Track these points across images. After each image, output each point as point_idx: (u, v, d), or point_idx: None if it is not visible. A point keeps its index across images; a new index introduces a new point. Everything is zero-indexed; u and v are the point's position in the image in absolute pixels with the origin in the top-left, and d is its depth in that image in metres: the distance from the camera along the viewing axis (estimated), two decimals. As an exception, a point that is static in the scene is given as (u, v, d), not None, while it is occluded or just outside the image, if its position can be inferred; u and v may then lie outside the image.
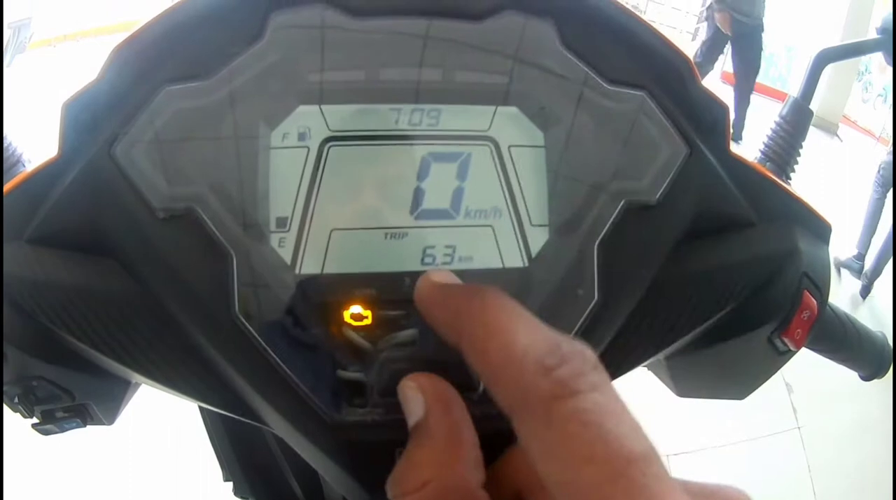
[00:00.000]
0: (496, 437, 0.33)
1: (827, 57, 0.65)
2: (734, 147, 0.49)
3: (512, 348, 0.26)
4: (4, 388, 0.41)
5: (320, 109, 0.39)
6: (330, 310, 0.39)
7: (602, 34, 0.42)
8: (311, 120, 0.39)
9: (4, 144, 0.50)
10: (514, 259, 0.42)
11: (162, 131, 0.38)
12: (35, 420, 0.45)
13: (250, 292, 0.38)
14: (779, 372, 0.54)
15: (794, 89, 0.63)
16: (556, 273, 0.42)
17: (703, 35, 6.66)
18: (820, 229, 0.54)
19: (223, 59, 0.38)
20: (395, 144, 0.40)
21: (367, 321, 0.39)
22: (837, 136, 7.35)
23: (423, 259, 0.41)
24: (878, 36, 0.71)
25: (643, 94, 0.43)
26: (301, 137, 0.39)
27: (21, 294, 0.39)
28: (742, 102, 6.19)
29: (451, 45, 0.40)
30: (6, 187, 0.41)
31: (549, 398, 0.25)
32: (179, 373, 0.40)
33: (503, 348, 0.27)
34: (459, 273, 0.35)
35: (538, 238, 0.42)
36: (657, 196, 0.43)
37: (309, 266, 0.39)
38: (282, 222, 0.39)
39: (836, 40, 6.53)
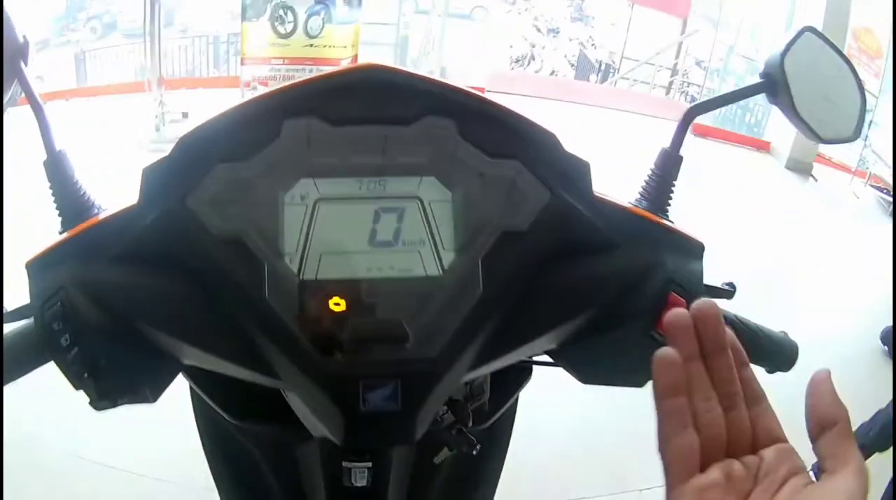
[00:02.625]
0: (422, 380, 0.64)
1: (697, 110, 0.78)
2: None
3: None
4: (75, 367, 0.63)
5: (314, 181, 0.65)
6: (320, 300, 0.64)
7: (487, 126, 0.68)
8: (308, 187, 0.65)
9: (80, 192, 0.72)
10: (433, 270, 0.66)
11: (217, 191, 0.64)
12: (93, 397, 0.65)
13: (274, 287, 0.62)
14: None
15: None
16: (459, 278, 0.65)
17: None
18: (690, 248, 0.74)
19: (256, 149, 0.64)
20: (359, 202, 0.66)
21: (342, 307, 0.64)
22: (812, 176, 7.47)
23: (378, 270, 0.65)
24: (761, 80, 0.78)
25: (516, 162, 0.67)
26: (302, 198, 0.64)
27: (105, 294, 0.64)
28: None
29: (393, 140, 0.66)
30: (92, 221, 0.68)
31: None
32: (224, 344, 0.65)
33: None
34: (401, 279, 0.65)
35: (448, 256, 0.66)
36: (525, 226, 0.66)
37: (307, 274, 0.64)
38: (291, 247, 0.64)
39: None
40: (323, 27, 6.69)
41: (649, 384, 0.51)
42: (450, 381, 0.65)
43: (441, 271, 0.65)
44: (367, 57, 7.04)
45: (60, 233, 0.70)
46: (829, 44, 0.81)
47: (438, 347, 0.64)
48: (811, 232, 5.92)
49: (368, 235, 0.65)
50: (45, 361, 0.65)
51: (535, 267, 0.68)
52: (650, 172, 0.79)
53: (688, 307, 0.64)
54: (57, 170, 0.71)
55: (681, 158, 0.78)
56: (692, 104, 0.78)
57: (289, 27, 6.63)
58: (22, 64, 0.70)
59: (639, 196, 0.79)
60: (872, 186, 7.23)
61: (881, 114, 7.00)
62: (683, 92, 12.93)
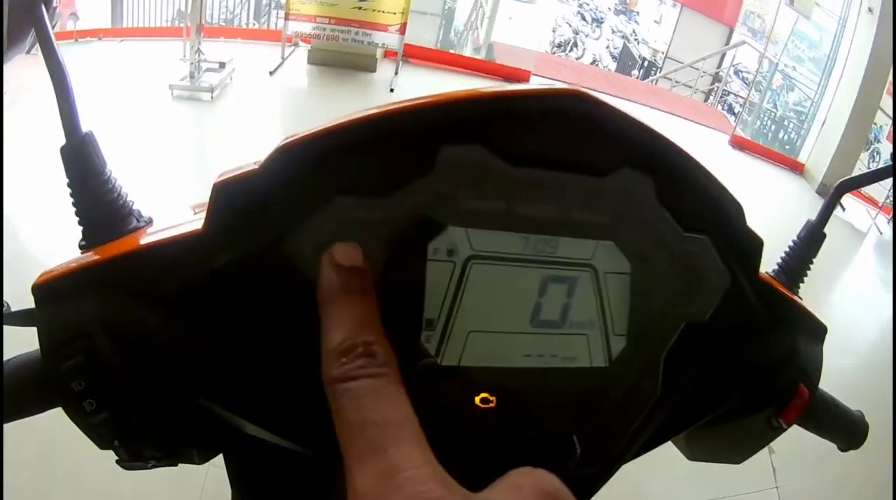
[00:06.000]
0: (581, 493, 0.51)
1: (846, 186, 0.74)
2: None
3: (328, 342, 0.38)
4: (101, 431, 0.46)
5: (466, 233, 0.47)
6: (464, 393, 0.49)
7: (685, 189, 0.54)
8: (458, 240, 0.47)
9: (112, 194, 0.52)
10: (599, 360, 0.53)
11: (333, 234, 0.44)
12: (120, 457, 0.49)
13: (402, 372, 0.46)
14: None
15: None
16: (629, 372, 0.54)
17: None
18: (817, 330, 0.69)
19: (397, 183, 0.45)
20: (523, 266, 0.49)
21: (491, 405, 0.49)
22: (841, 205, 7.40)
23: (539, 357, 0.51)
24: None
25: (706, 238, 0.54)
26: (450, 253, 0.47)
27: (148, 348, 0.45)
28: None
29: (573, 190, 0.49)
30: (133, 244, 0.48)
31: (334, 380, 0.36)
32: (314, 435, 0.47)
33: (326, 339, 0.39)
34: (559, 369, 0.51)
35: (618, 345, 0.53)
36: (706, 317, 0.56)
37: (448, 358, 0.48)
38: (429, 323, 0.47)
39: (849, 103, 6.48)
40: (375, -10, 6.58)
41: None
42: (597, 491, 0.58)
43: (608, 363, 0.53)
44: (410, 26, 6.97)
45: (82, 248, 0.51)
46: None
47: (603, 459, 0.54)
48: (832, 258, 5.98)
49: (531, 311, 0.50)
50: (58, 406, 0.47)
51: (708, 362, 0.58)
52: (793, 245, 0.75)
53: (811, 397, 0.66)
54: (79, 160, 0.51)
55: (824, 236, 0.74)
56: (840, 181, 0.74)
57: (339, -13, 6.52)
58: (43, 10, 0.49)
59: (777, 269, 0.75)
60: (896, 222, 7.22)
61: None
62: (722, 100, 12.84)
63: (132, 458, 0.48)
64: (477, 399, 0.49)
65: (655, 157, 0.51)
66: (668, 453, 0.72)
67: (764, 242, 0.59)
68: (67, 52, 0.51)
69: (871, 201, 7.76)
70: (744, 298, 0.59)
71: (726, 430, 0.66)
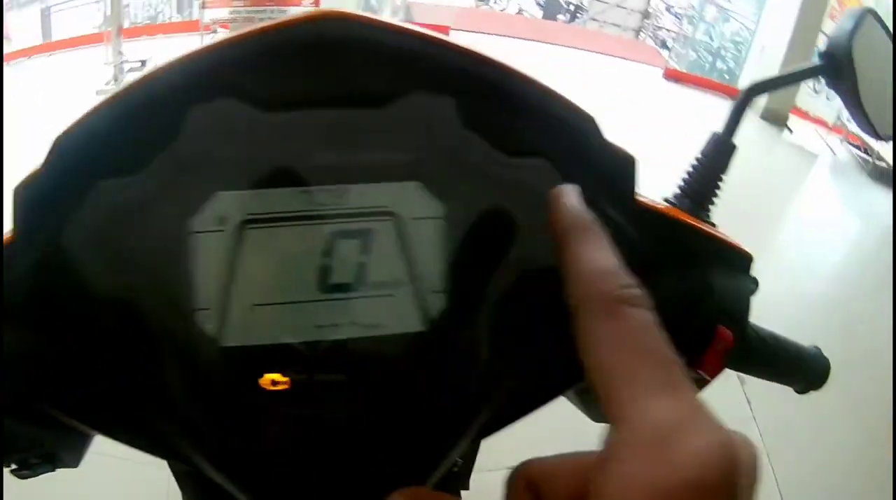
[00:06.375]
0: (414, 476, 0.44)
1: (755, 90, 0.65)
2: None
3: (602, 262, 0.35)
4: None
5: (236, 195, 0.41)
6: (249, 376, 0.42)
7: (501, 108, 0.44)
8: (228, 205, 0.41)
9: None
10: (414, 323, 0.44)
11: (102, 222, 0.41)
12: (13, 467, 0.50)
13: (178, 361, 0.42)
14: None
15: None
16: (453, 336, 0.44)
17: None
18: (737, 260, 0.56)
19: (148, 155, 0.40)
20: (304, 224, 0.42)
21: (283, 386, 0.42)
22: (787, 127, 7.46)
23: (333, 328, 0.43)
24: (819, 62, 0.67)
25: (543, 161, 0.44)
26: (220, 221, 0.41)
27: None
28: None
29: (354, 129, 0.42)
30: None
31: (620, 300, 0.33)
32: (132, 431, 0.45)
33: (595, 260, 0.36)
34: (364, 339, 0.43)
35: (437, 304, 0.44)
36: (552, 260, 0.41)
37: (230, 338, 0.42)
38: (206, 298, 0.41)
39: (790, 25, 6.54)
40: (284, -35, 6.71)
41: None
42: (443, 468, 0.47)
43: (426, 325, 0.44)
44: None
45: None
46: (887, 31, 0.71)
47: (427, 444, 0.45)
48: (787, 182, 6.00)
49: (317, 276, 0.43)
50: None
51: (557, 311, 0.43)
52: (696, 162, 0.63)
53: (736, 340, 0.54)
54: None
55: (734, 147, 0.62)
56: (749, 85, 0.64)
57: (249, -33, 6.67)
58: None
59: (679, 191, 0.63)
60: (850, 143, 7.18)
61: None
62: (654, 35, 12.87)
63: (20, 465, 0.50)
64: (266, 381, 0.42)
65: (449, 74, 0.43)
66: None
67: (635, 159, 0.48)
68: None
69: (821, 122, 7.79)
70: (614, 229, 0.45)
71: None
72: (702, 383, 0.55)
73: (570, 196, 0.40)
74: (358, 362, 0.44)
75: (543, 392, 0.50)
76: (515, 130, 0.44)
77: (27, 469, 0.50)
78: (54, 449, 0.50)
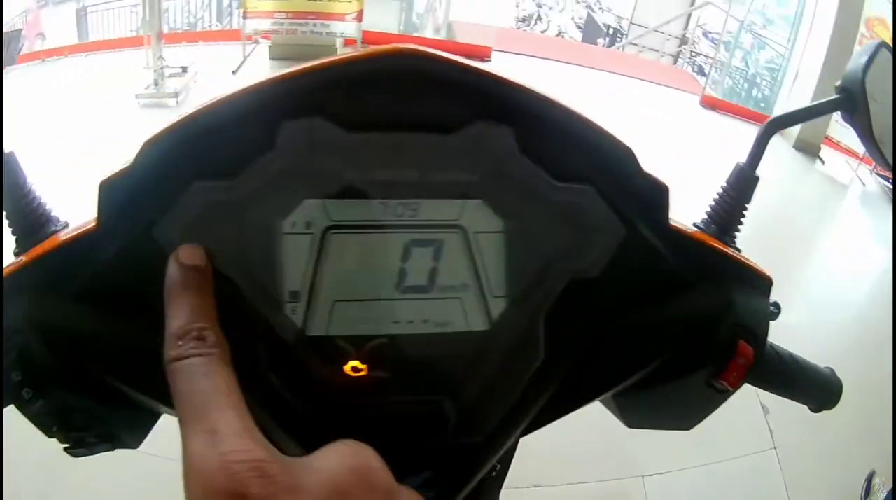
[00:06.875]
0: (465, 465, 0.52)
1: (776, 124, 0.68)
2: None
3: (168, 328, 0.43)
4: (42, 417, 0.50)
5: (322, 203, 0.49)
6: (332, 363, 0.50)
7: (554, 138, 0.51)
8: (315, 212, 0.49)
9: (34, 203, 0.57)
10: (478, 324, 0.52)
11: (194, 218, 0.47)
12: (67, 445, 0.53)
13: (269, 346, 0.49)
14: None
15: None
16: (511, 335, 0.52)
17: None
18: (758, 283, 0.62)
19: (244, 162, 0.47)
20: (383, 232, 0.50)
21: (362, 373, 0.50)
22: (820, 158, 7.41)
23: (408, 324, 0.51)
24: (837, 96, 0.69)
25: (588, 187, 0.52)
26: (308, 225, 0.49)
27: (65, 342, 0.49)
28: None
29: (427, 151, 0.49)
30: (50, 244, 0.51)
31: (171, 360, 0.41)
32: None
33: (167, 328, 0.43)
34: (437, 335, 0.51)
35: (498, 307, 0.52)
36: (596, 272, 0.53)
37: (315, 329, 0.50)
38: (294, 295, 0.49)
39: (821, 54, 6.47)
40: (328, -21, 6.72)
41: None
42: (492, 462, 0.54)
43: (488, 326, 0.52)
44: (372, 13, 6.99)
45: (16, 254, 0.55)
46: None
47: (485, 429, 0.52)
48: (818, 212, 5.98)
49: (396, 277, 0.51)
50: (7, 405, 0.52)
51: (602, 320, 0.55)
52: (722, 191, 0.68)
53: (757, 355, 0.59)
54: (7, 176, 0.56)
55: (757, 179, 0.67)
56: (770, 120, 0.67)
57: (292, -21, 6.67)
58: None
59: (707, 218, 0.68)
60: (878, 174, 7.13)
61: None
62: (692, 62, 12.83)
63: (75, 444, 0.53)
64: (347, 368, 0.50)
65: (509, 106, 0.50)
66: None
67: (669, 188, 0.55)
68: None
69: (852, 153, 7.73)
70: (649, 250, 0.56)
71: (663, 395, 0.60)
72: (725, 394, 0.60)
73: (182, 252, 0.46)
74: (425, 356, 0.51)
75: (582, 394, 0.58)
76: (565, 158, 0.51)
77: (83, 447, 0.54)
78: (117, 428, 0.54)
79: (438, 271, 0.51)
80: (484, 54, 7.55)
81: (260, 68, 6.89)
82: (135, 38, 7.34)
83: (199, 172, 0.48)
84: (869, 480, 2.53)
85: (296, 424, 0.46)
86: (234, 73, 6.67)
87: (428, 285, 0.51)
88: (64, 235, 0.52)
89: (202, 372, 0.40)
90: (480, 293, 0.52)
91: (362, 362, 0.49)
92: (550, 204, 0.51)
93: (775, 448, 3.02)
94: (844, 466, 2.87)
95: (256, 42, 7.15)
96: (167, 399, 0.48)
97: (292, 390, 0.49)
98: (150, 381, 0.49)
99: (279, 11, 6.72)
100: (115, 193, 0.48)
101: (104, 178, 0.49)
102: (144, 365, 0.48)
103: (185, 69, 6.26)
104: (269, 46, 7.13)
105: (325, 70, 0.48)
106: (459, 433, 0.51)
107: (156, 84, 5.98)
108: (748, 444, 3.01)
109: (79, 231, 0.51)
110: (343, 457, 0.37)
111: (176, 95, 5.91)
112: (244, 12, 6.83)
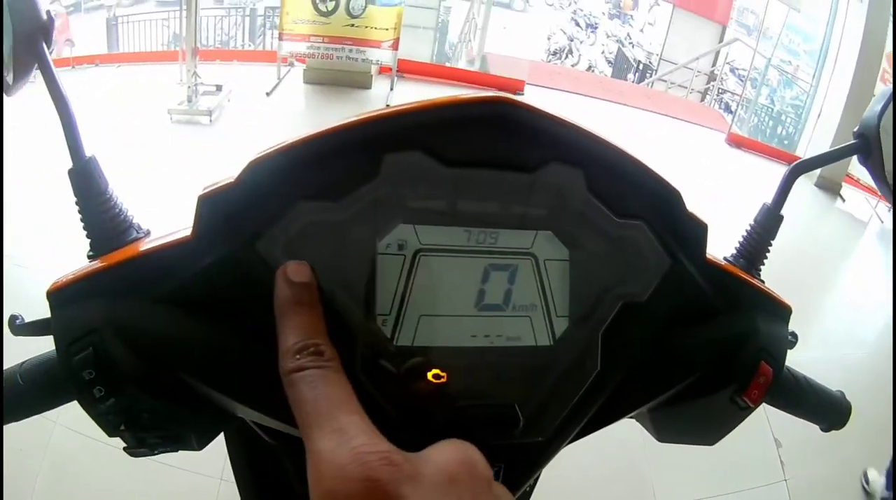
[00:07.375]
0: (526, 464, 0.60)
1: (799, 169, 0.75)
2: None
3: (285, 343, 0.48)
4: (109, 417, 0.53)
5: (414, 229, 0.55)
6: (418, 370, 0.55)
7: (615, 179, 0.59)
8: (407, 235, 0.55)
9: (114, 209, 0.60)
10: (544, 340, 0.59)
11: (298, 234, 0.52)
12: (128, 445, 0.56)
13: (361, 353, 0.54)
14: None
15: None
16: (572, 350, 0.60)
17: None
18: (780, 312, 0.72)
19: (349, 188, 0.53)
20: (466, 257, 0.57)
21: (443, 380, 0.56)
22: (840, 196, 7.43)
23: (484, 337, 0.58)
24: (854, 141, 0.75)
25: (642, 223, 0.60)
26: (400, 247, 0.55)
27: (148, 343, 0.53)
28: None
29: (509, 187, 0.56)
30: (133, 252, 0.55)
31: (291, 371, 0.46)
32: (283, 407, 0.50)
33: (282, 343, 0.48)
34: (507, 348, 0.58)
35: (561, 325, 0.60)
36: (645, 297, 0.61)
37: (403, 339, 0.55)
38: (384, 306, 0.54)
39: (843, 92, 6.45)
40: (366, 7, 6.69)
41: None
42: (552, 457, 0.62)
43: (552, 341, 0.59)
44: (404, 41, 7.05)
45: (90, 257, 0.58)
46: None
47: (548, 430, 0.59)
48: (837, 250, 6.01)
49: (475, 297, 0.57)
50: (72, 400, 0.55)
51: (648, 340, 0.63)
52: (749, 228, 0.77)
53: (775, 375, 0.69)
54: (85, 180, 0.59)
55: (782, 218, 0.76)
56: (794, 165, 0.76)
57: (330, 5, 6.65)
58: (44, 45, 0.56)
59: (736, 252, 0.77)
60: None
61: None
62: (719, 99, 12.86)
63: (137, 444, 0.56)
64: (430, 375, 0.55)
65: (581, 151, 0.57)
66: (674, 447, 0.76)
67: (708, 226, 0.64)
68: (66, 78, 0.56)
69: (871, 190, 7.73)
70: (689, 280, 0.64)
71: (692, 410, 0.69)
72: (746, 411, 0.69)
73: (290, 270, 0.51)
74: (498, 366, 0.58)
75: (626, 405, 0.66)
76: (623, 197, 0.59)
77: (145, 447, 0.56)
78: (185, 430, 0.57)
79: (513, 293, 0.58)
80: (517, 88, 7.62)
81: (294, 92, 6.91)
82: (167, 52, 7.26)
83: (305, 192, 0.52)
84: None
85: (386, 424, 0.47)
86: (268, 94, 6.69)
87: (503, 304, 0.58)
88: (151, 243, 0.56)
89: (324, 382, 0.45)
90: (547, 313, 0.59)
91: (442, 371, 0.56)
92: (609, 237, 0.59)
93: (786, 481, 3.06)
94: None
95: (291, 65, 7.13)
96: (259, 405, 0.55)
97: (383, 394, 0.54)
98: (240, 384, 0.55)
99: (315, 35, 6.68)
100: (216, 207, 0.52)
101: (203, 192, 0.52)
102: (237, 369, 0.54)
103: (219, 88, 6.20)
104: (304, 70, 7.14)
105: (428, 111, 0.54)
106: (526, 433, 0.58)
107: (189, 101, 5.93)
108: (760, 475, 3.05)
109: (170, 240, 0.55)
110: (453, 452, 0.44)
111: (209, 113, 5.92)
112: (280, 34, 6.80)
